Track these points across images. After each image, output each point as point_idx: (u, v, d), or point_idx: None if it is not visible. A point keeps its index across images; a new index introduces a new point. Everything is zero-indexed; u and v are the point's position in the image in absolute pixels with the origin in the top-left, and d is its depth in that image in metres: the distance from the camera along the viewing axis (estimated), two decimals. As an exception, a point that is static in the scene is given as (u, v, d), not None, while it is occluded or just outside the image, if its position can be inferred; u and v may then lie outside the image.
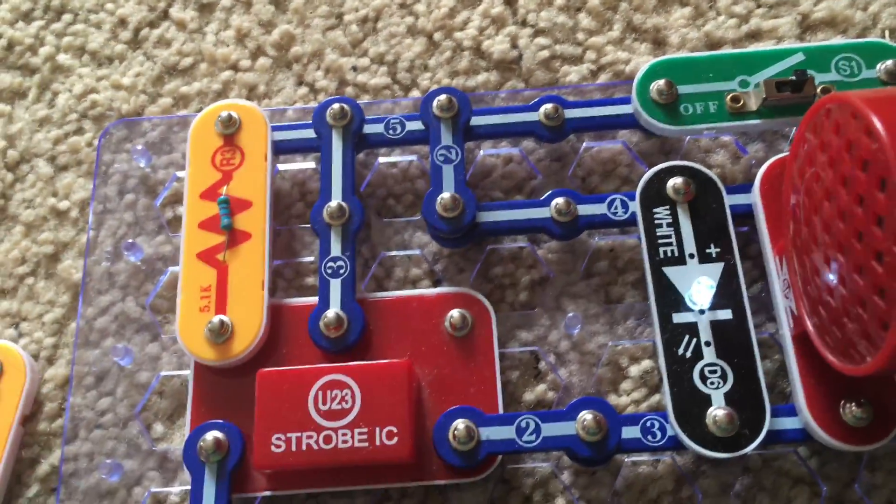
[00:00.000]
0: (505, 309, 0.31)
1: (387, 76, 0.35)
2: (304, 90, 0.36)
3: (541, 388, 0.30)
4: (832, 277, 0.23)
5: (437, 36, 0.36)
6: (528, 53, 0.35)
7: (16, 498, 0.30)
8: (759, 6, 0.35)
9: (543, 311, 0.31)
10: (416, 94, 0.35)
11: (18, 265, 0.33)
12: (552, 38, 0.35)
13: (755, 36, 0.34)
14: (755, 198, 0.29)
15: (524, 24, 0.36)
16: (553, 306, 0.31)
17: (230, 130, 0.32)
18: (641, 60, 0.34)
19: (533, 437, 0.27)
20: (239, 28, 0.37)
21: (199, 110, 0.35)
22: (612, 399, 0.30)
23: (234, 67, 0.36)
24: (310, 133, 0.32)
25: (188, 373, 0.30)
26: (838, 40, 0.34)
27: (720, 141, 0.33)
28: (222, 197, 0.30)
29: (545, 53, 0.35)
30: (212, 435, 0.27)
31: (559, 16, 0.36)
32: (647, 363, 0.30)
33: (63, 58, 0.37)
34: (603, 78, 0.34)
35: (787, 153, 0.28)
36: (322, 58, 0.36)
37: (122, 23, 0.38)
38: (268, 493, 0.28)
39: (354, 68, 0.36)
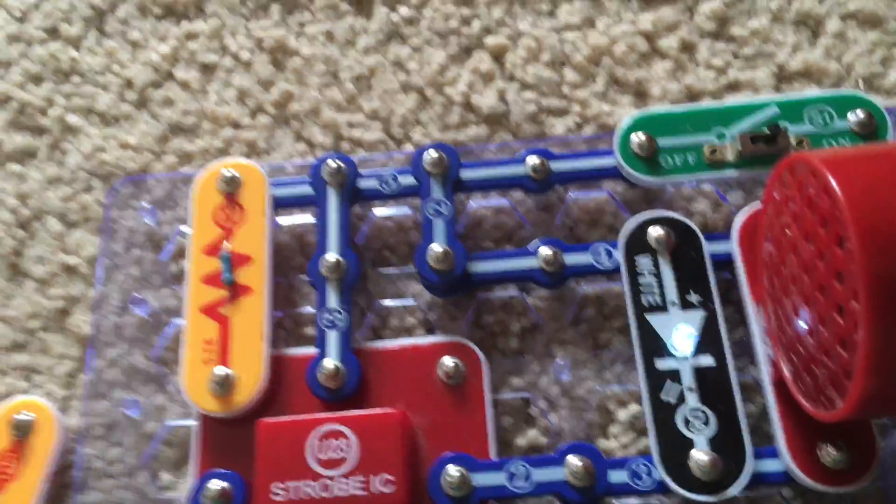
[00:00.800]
0: (497, 355, 0.32)
1: (381, 131, 0.37)
2: (302, 146, 0.37)
3: (533, 433, 0.31)
4: (802, 326, 0.25)
5: (428, 92, 0.37)
6: (516, 107, 0.36)
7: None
8: (736, 58, 0.37)
9: (534, 357, 0.32)
10: (409, 147, 0.36)
11: (31, 319, 0.35)
12: (539, 92, 0.37)
13: (734, 87, 0.36)
14: (734, 246, 0.30)
15: (512, 78, 0.37)
16: (543, 353, 0.32)
17: (231, 188, 0.33)
18: (624, 112, 0.36)
19: (524, 483, 0.28)
20: (240, 88, 0.38)
21: (203, 167, 0.36)
22: (602, 443, 0.31)
23: (236, 125, 0.38)
24: (307, 189, 0.34)
25: (193, 423, 0.31)
26: (813, 91, 0.35)
27: (701, 189, 0.34)
28: (224, 253, 0.32)
29: (532, 107, 0.36)
30: (216, 484, 0.28)
31: (545, 71, 0.37)
32: (634, 408, 0.31)
33: (72, 118, 0.39)
34: (588, 129, 0.36)
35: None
36: (319, 114, 0.38)
37: (129, 84, 0.39)
38: (269, 540, 0.29)
39: (350, 124, 0.37)
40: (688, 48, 0.37)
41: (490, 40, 0.38)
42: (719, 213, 0.34)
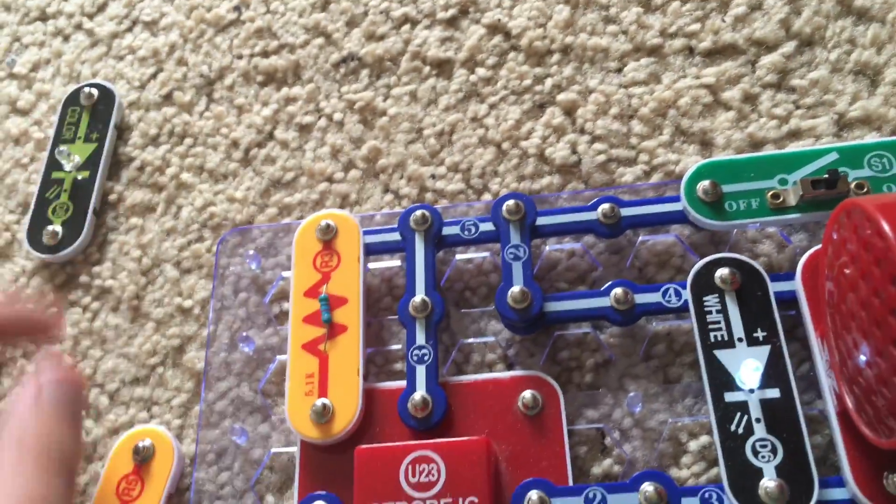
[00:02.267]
0: (572, 389, 0.34)
1: (461, 182, 0.40)
2: (389, 196, 0.41)
3: (607, 462, 0.33)
4: (862, 359, 0.26)
5: (505, 145, 0.41)
6: (587, 158, 0.39)
7: (149, 561, 0.34)
8: (797, 108, 0.39)
9: (607, 391, 0.34)
10: (487, 197, 0.40)
11: (150, 357, 0.39)
12: (608, 144, 0.40)
13: (795, 135, 0.38)
14: (798, 285, 0.32)
15: (582, 131, 0.40)
16: (616, 387, 0.34)
17: (328, 237, 0.37)
18: (690, 161, 0.38)
19: (600, 507, 0.30)
20: (333, 145, 0.42)
21: (301, 218, 0.40)
22: (674, 472, 0.32)
23: (330, 179, 0.42)
24: (396, 236, 0.37)
25: (295, 449, 0.34)
26: (872, 137, 0.37)
27: (766, 231, 0.36)
28: (323, 295, 0.35)
29: (602, 157, 0.39)
30: (317, 504, 0.31)
31: (614, 123, 0.40)
32: (705, 438, 0.33)
33: (186, 176, 0.43)
34: (655, 177, 0.38)
35: (823, 245, 0.31)
36: (405, 168, 0.41)
37: (235, 144, 0.44)
38: (366, 557, 0.31)
39: (433, 176, 0.41)
40: (750, 99, 0.39)
41: (561, 97, 0.41)
42: (784, 254, 0.35)
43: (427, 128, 0.42)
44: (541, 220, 0.36)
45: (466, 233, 0.37)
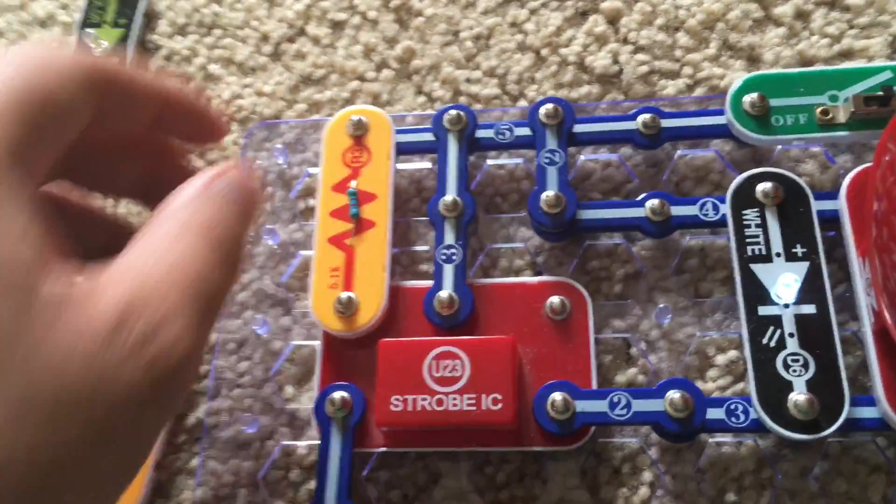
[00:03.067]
0: (600, 299, 0.34)
1: (497, 87, 0.39)
2: (422, 99, 0.40)
3: (632, 371, 0.33)
4: (909, 272, 0.26)
5: (544, 52, 0.39)
6: (629, 68, 0.38)
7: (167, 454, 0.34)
8: (851, 27, 0.37)
9: (636, 302, 0.34)
10: (523, 103, 0.38)
11: (172, 245, 0.38)
12: (651, 55, 0.38)
13: (846, 55, 0.37)
14: (841, 203, 0.31)
15: (625, 41, 0.39)
16: (645, 299, 0.34)
17: (359, 132, 0.36)
18: (736, 76, 0.37)
19: (624, 412, 0.29)
20: (366, 44, 0.41)
21: (330, 115, 0.39)
22: (699, 384, 0.32)
23: (361, 78, 0.41)
24: (428, 136, 0.36)
25: (317, 343, 0.34)
26: None
27: (810, 151, 0.35)
28: (351, 189, 0.35)
29: (644, 69, 0.38)
30: (339, 394, 0.31)
31: (658, 34, 0.38)
32: (733, 353, 0.32)
33: (213, 67, 0.42)
34: (699, 92, 0.37)
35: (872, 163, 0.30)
36: (439, 70, 0.40)
37: (265, 38, 0.43)
38: (384, 449, 0.31)
39: (468, 80, 0.39)
40: (802, 16, 0.38)
41: (605, 4, 0.40)
42: (827, 174, 0.34)
43: (464, 30, 0.41)
44: (578, 128, 0.35)
45: (501, 136, 0.36)
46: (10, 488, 0.18)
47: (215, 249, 0.23)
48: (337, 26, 0.42)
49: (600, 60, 0.38)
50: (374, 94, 0.40)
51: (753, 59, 0.37)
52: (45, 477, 0.18)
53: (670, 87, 0.37)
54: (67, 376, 0.19)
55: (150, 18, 0.44)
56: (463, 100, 0.39)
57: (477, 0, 0.41)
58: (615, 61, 0.38)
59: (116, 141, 0.28)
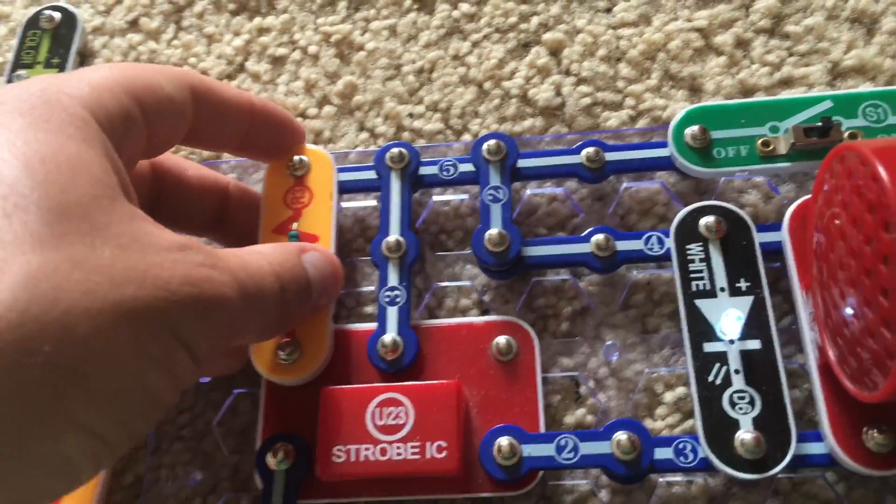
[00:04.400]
0: (548, 337, 0.33)
1: (440, 122, 0.39)
2: (365, 135, 0.39)
3: (580, 412, 0.32)
4: (848, 311, 0.25)
5: (486, 85, 0.39)
6: (571, 101, 0.38)
7: None
8: (790, 55, 0.37)
9: (584, 339, 0.33)
10: (467, 137, 0.38)
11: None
12: (594, 87, 0.38)
13: (787, 83, 0.37)
14: (784, 235, 0.31)
15: (568, 73, 0.39)
16: (593, 335, 0.33)
17: (301, 172, 0.35)
18: (678, 107, 0.37)
19: (571, 455, 0.29)
20: (307, 79, 0.41)
21: (272, 153, 0.39)
22: (648, 423, 0.32)
23: (303, 115, 0.40)
24: (371, 174, 0.35)
25: (259, 391, 0.33)
26: (867, 87, 0.35)
27: (753, 181, 0.35)
28: (293, 232, 0.34)
29: (587, 100, 0.38)
30: (280, 445, 0.30)
31: (600, 65, 0.38)
32: (681, 390, 0.32)
33: (153, 106, 0.41)
34: (641, 123, 0.37)
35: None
36: (382, 105, 0.39)
37: (204, 75, 0.42)
38: (329, 500, 0.30)
39: (411, 115, 0.39)
40: (742, 44, 0.38)
41: (547, 36, 0.39)
42: (770, 205, 0.34)
43: (406, 64, 0.40)
44: (522, 163, 0.35)
45: (445, 173, 0.35)
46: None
47: (276, 284, 0.26)
48: (277, 62, 0.42)
49: (543, 93, 0.38)
50: (317, 130, 0.39)
51: (695, 89, 0.37)
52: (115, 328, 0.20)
53: (613, 119, 0.37)
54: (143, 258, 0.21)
55: (85, 58, 0.43)
56: (406, 135, 0.39)
57: (419, 33, 0.41)
58: (558, 93, 0.38)
59: (200, 179, 0.33)
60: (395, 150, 0.35)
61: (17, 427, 0.18)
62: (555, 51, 0.39)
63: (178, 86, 0.28)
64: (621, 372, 0.32)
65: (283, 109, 0.34)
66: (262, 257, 0.26)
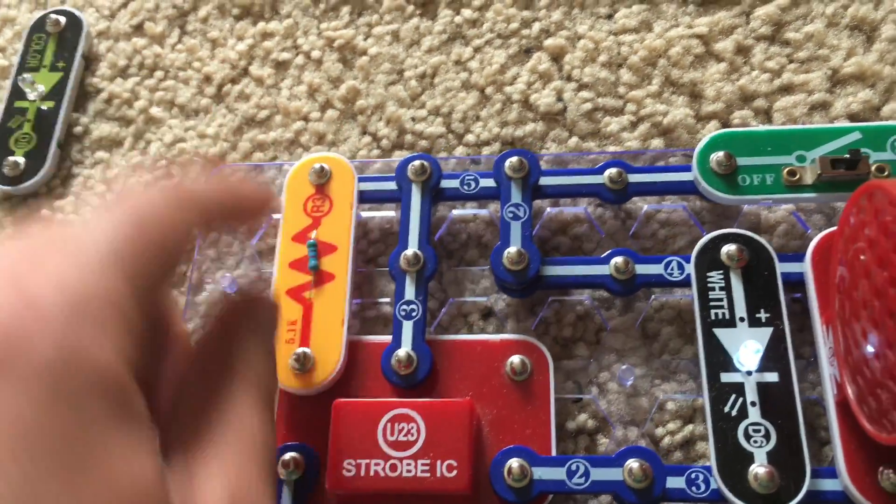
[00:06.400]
0: (563, 358, 0.33)
1: (442, 126, 0.39)
2: (367, 139, 0.39)
3: (582, 416, 0.32)
4: (869, 350, 0.25)
5: (488, 90, 0.39)
6: (573, 106, 0.38)
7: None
8: (790, 62, 0.37)
9: (599, 361, 0.33)
10: (470, 138, 0.38)
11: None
12: (595, 92, 0.38)
13: (787, 89, 0.37)
14: (807, 267, 0.31)
15: (569, 79, 0.39)
16: (609, 358, 0.33)
17: (322, 181, 0.35)
18: (679, 112, 0.37)
19: (582, 480, 0.29)
20: (310, 84, 0.41)
21: (274, 158, 0.39)
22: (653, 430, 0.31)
23: (306, 119, 0.40)
24: (391, 185, 0.35)
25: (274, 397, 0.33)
26: (866, 95, 0.35)
27: (777, 210, 0.35)
28: (311, 241, 0.34)
29: (588, 106, 0.38)
30: (290, 455, 0.30)
31: (602, 71, 0.38)
32: (698, 427, 0.32)
33: (155, 110, 0.42)
34: (641, 128, 0.37)
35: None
36: (384, 110, 0.39)
37: (207, 79, 0.42)
38: (337, 513, 0.30)
39: (413, 119, 0.39)
40: (742, 51, 0.38)
41: (549, 42, 0.39)
42: (794, 235, 0.34)
43: (408, 69, 0.40)
44: (544, 181, 0.34)
45: (466, 187, 0.35)
46: None
47: (270, 410, 0.23)
48: (280, 66, 0.42)
49: (544, 98, 0.38)
50: (319, 134, 0.39)
51: (695, 95, 0.37)
52: None
53: (614, 124, 0.37)
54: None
55: (90, 61, 0.44)
56: (408, 138, 0.39)
57: (421, 39, 0.41)
58: (559, 99, 0.38)
59: None
60: (416, 163, 0.35)
61: None
62: (556, 56, 0.39)
63: (187, 225, 0.23)
64: (636, 396, 0.32)
65: (244, 188, 0.26)
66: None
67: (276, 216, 0.37)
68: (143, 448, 0.19)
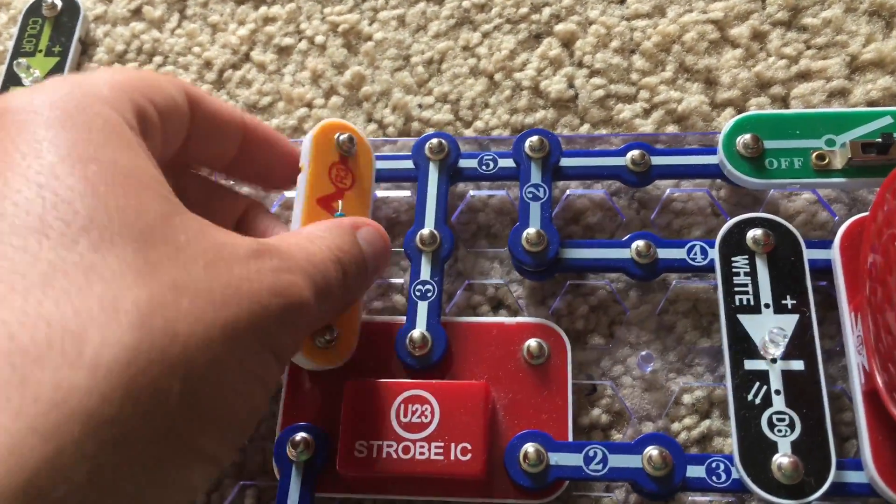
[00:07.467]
0: (581, 343, 0.32)
1: (450, 113, 0.38)
2: (373, 126, 0.38)
3: (595, 412, 0.31)
4: (904, 337, 0.24)
5: (497, 76, 0.38)
6: (584, 93, 0.37)
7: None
8: (808, 48, 0.36)
9: (618, 347, 0.32)
10: (479, 125, 0.37)
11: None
12: (607, 79, 0.37)
13: (805, 76, 0.36)
14: (835, 254, 0.30)
15: (580, 65, 0.38)
16: (628, 343, 0.32)
17: (347, 152, 0.33)
18: (693, 99, 0.36)
19: (600, 467, 0.28)
20: (314, 69, 0.40)
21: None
22: (663, 422, 0.31)
23: (309, 105, 0.39)
24: (408, 164, 0.35)
25: (282, 377, 0.32)
26: (886, 82, 0.35)
27: (805, 195, 0.34)
28: (339, 212, 0.32)
29: (600, 92, 0.37)
30: (301, 436, 0.29)
31: (614, 57, 0.37)
32: (699, 393, 0.31)
33: (153, 96, 0.41)
34: (655, 115, 0.36)
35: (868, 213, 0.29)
36: (390, 96, 0.39)
37: (208, 65, 0.41)
38: (348, 495, 0.30)
39: (420, 106, 0.38)
40: (759, 36, 0.37)
41: (560, 27, 0.39)
42: (814, 224, 0.33)
43: (415, 55, 0.39)
44: (565, 161, 0.34)
45: (484, 167, 0.34)
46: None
47: (339, 271, 0.25)
48: (283, 52, 0.41)
49: (555, 85, 0.37)
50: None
51: (710, 82, 0.36)
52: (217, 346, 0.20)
53: (626, 111, 0.36)
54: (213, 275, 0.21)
55: (87, 46, 0.43)
56: (414, 126, 0.38)
57: (428, 23, 0.40)
58: (570, 85, 0.37)
59: (221, 112, 0.30)
60: (434, 141, 0.34)
61: (155, 463, 0.18)
62: (567, 42, 0.38)
63: (178, 88, 0.26)
64: (656, 383, 0.31)
65: (276, 131, 0.32)
66: (322, 243, 0.25)
67: (288, 194, 0.36)
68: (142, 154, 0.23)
